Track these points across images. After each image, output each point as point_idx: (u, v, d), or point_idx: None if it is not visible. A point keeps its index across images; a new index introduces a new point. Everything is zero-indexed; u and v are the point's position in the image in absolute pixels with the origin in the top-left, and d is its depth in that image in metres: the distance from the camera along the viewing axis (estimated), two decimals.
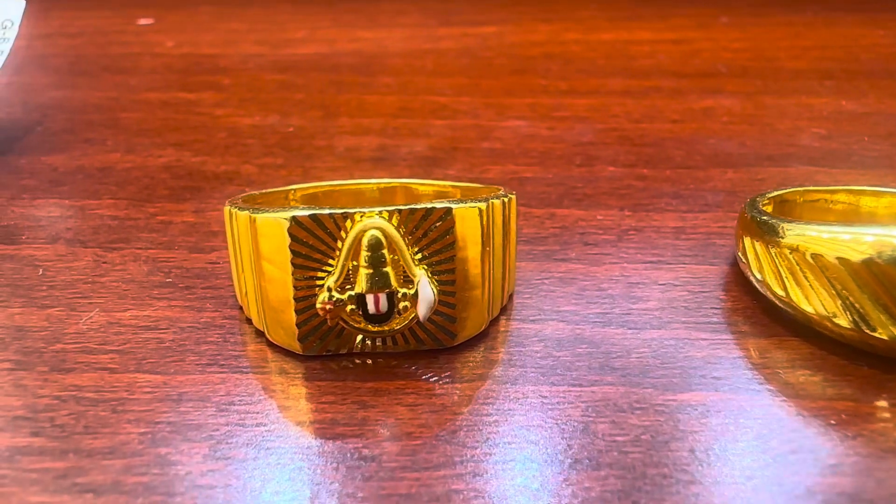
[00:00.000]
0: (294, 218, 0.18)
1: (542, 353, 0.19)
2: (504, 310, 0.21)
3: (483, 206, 0.19)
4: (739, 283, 0.22)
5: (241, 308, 0.21)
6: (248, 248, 0.19)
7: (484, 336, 0.20)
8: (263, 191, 0.23)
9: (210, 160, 0.29)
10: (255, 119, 0.33)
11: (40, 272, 0.23)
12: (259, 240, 0.18)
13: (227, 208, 0.20)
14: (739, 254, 0.22)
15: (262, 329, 0.20)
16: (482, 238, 0.19)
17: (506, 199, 0.20)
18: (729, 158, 0.29)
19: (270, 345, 0.20)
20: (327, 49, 0.41)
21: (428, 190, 0.24)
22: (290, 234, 0.18)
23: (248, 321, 0.20)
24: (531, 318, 0.21)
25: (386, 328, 0.19)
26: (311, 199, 0.24)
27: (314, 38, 0.43)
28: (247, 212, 0.19)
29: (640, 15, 0.47)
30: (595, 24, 0.45)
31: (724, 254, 0.23)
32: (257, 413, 0.18)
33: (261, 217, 0.18)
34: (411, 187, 0.24)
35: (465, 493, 0.16)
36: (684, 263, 0.23)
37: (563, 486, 0.16)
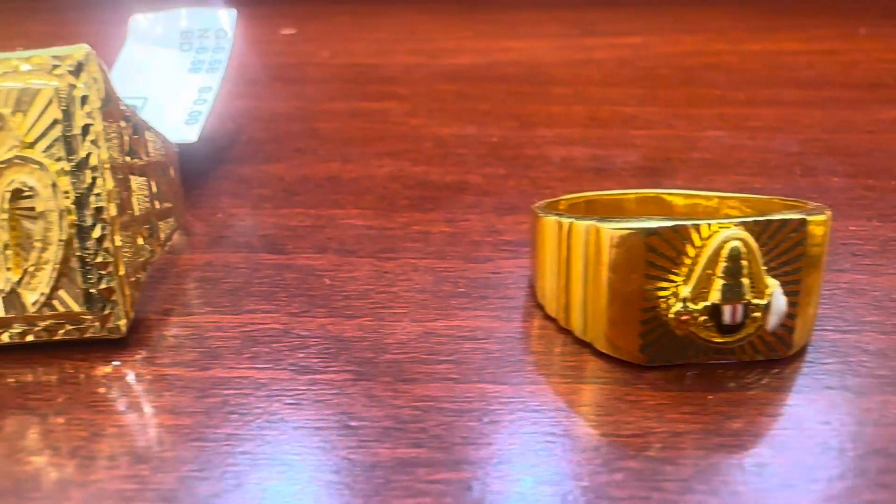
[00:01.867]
0: (655, 229, 0.18)
1: (872, 363, 0.19)
2: None
3: (824, 218, 0.19)
4: None
5: (547, 318, 0.21)
6: (582, 259, 0.19)
7: (806, 347, 0.20)
8: (547, 201, 0.23)
9: (432, 170, 0.29)
10: (452, 129, 0.33)
11: (327, 282, 0.23)
12: (603, 250, 0.19)
13: (551, 218, 0.20)
14: None
15: (587, 340, 0.20)
16: (825, 249, 0.19)
17: (829, 212, 0.20)
18: None
19: (598, 354, 0.20)
20: (484, 59, 0.41)
21: (683, 201, 0.24)
22: (648, 245, 0.18)
23: (564, 331, 0.20)
24: (841, 328, 0.21)
25: (731, 339, 0.19)
26: (576, 208, 0.24)
27: (464, 48, 0.43)
28: (590, 222, 0.19)
29: (777, 26, 0.47)
30: (738, 36, 0.45)
31: None
32: (629, 423, 0.18)
33: (607, 227, 0.18)
34: (670, 199, 0.24)
35: (877, 503, 0.16)
36: None
37: None
